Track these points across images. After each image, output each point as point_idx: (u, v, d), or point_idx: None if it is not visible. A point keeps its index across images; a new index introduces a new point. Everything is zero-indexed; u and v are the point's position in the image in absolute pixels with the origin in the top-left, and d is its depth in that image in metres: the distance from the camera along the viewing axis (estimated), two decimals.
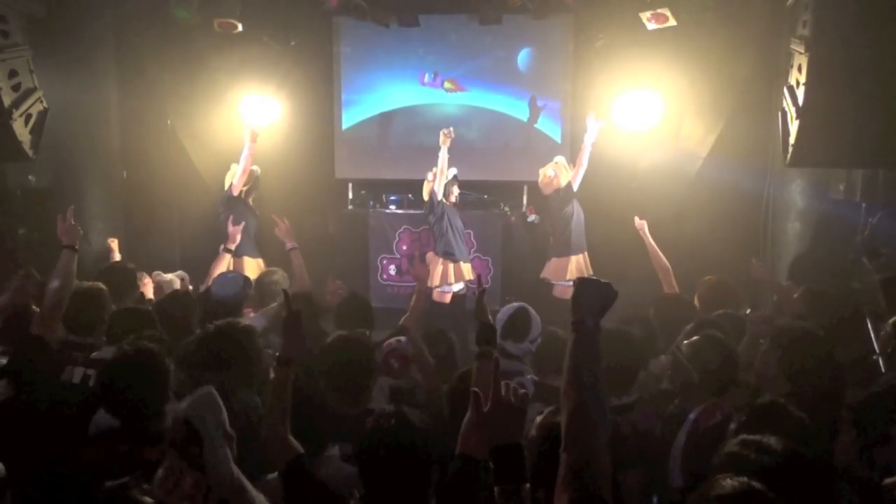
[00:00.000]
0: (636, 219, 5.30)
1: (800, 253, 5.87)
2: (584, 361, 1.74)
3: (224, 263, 5.16)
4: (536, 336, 3.75)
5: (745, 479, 1.56)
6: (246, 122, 6.43)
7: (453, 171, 6.71)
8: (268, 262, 6.30)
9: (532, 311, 3.90)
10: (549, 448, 2.02)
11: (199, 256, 6.31)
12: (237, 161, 6.31)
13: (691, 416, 2.77)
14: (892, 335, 3.24)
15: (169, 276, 5.39)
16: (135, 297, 4.29)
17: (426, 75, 8.09)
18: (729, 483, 1.54)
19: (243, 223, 5.63)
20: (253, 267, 6.07)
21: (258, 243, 6.26)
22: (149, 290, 4.92)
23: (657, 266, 4.92)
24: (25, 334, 3.25)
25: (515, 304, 3.93)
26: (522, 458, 1.78)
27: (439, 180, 6.52)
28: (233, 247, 5.38)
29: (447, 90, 8.11)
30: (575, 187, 6.46)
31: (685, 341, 3.04)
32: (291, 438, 2.27)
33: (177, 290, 4.74)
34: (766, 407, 2.41)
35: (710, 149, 6.87)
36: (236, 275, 4.59)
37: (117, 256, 5.49)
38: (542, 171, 6.64)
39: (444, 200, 6.59)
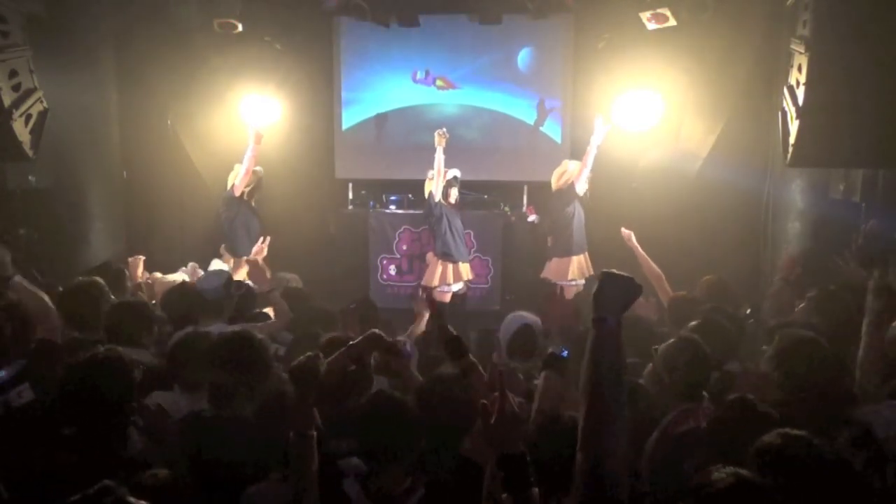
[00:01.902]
0: (622, 229, 5.30)
1: (800, 251, 5.86)
2: (605, 359, 1.70)
3: (241, 272, 5.15)
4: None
5: (736, 470, 1.58)
6: (250, 123, 6.42)
7: (455, 171, 6.70)
8: (268, 264, 6.31)
9: (535, 326, 3.72)
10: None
11: (200, 257, 6.31)
12: (239, 161, 6.32)
13: (664, 420, 2.75)
14: None
15: (171, 276, 5.36)
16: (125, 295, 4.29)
17: (418, 72, 8.09)
18: (724, 476, 1.55)
19: (265, 239, 5.52)
20: None
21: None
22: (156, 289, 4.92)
23: (649, 274, 4.91)
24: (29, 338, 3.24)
25: (518, 322, 3.76)
26: (527, 464, 1.81)
27: (437, 181, 6.53)
28: (259, 259, 5.29)
29: (439, 88, 8.11)
30: (578, 188, 6.47)
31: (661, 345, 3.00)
32: (316, 414, 2.30)
33: (183, 283, 4.73)
34: (734, 403, 2.40)
35: (710, 149, 6.86)
36: (222, 274, 4.53)
37: (138, 276, 5.15)
38: (564, 163, 6.65)
39: (442, 201, 6.60)
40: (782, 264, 4.80)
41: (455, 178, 6.71)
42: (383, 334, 2.58)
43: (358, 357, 2.50)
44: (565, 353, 2.67)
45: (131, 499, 1.65)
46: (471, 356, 2.54)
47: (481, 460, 1.96)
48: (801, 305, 4.00)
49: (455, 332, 2.66)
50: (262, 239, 5.48)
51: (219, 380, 2.75)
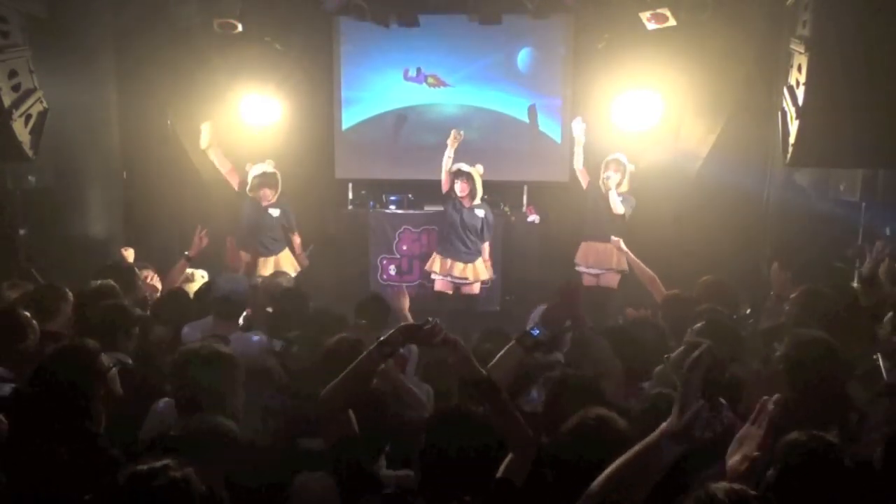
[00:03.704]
0: (612, 238, 5.31)
1: (798, 248, 5.86)
2: None
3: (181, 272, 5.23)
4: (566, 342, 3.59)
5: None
6: (203, 126, 6.54)
7: (460, 165, 6.71)
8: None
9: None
10: None
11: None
12: (241, 161, 6.53)
13: None
14: (891, 332, 3.23)
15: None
16: (134, 297, 4.28)
17: (409, 70, 8.08)
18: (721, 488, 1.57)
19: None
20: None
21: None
22: (157, 286, 4.95)
23: (643, 278, 4.89)
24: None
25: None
26: None
27: (443, 178, 6.58)
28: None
29: (430, 85, 8.08)
30: (576, 163, 6.61)
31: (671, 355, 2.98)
32: (351, 416, 2.27)
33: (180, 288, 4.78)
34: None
35: (710, 149, 6.87)
36: (241, 276, 4.65)
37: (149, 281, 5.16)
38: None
39: (452, 195, 6.68)
40: (775, 280, 4.74)
41: (459, 170, 6.71)
42: (416, 325, 2.38)
43: (391, 353, 2.36)
44: (536, 332, 2.68)
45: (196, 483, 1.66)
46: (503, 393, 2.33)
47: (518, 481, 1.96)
48: (788, 309, 4.00)
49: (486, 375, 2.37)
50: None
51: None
